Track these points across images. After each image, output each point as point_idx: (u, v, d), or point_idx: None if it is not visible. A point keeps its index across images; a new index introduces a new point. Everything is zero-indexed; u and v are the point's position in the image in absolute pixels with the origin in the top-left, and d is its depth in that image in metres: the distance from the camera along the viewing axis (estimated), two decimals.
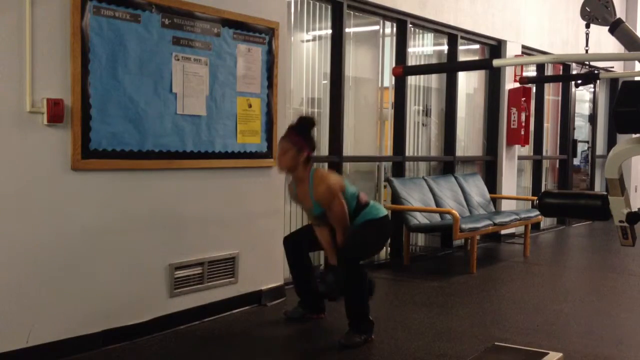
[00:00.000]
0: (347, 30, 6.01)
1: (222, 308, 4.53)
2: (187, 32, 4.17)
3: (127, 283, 3.94)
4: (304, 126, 4.13)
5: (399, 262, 6.60)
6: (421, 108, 7.35)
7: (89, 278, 3.73)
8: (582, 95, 10.96)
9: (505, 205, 8.24)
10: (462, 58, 7.58)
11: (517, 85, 8.07)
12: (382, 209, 4.25)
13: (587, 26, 3.77)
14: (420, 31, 7.17)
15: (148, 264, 4.05)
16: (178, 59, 4.13)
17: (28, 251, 3.45)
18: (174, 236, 4.20)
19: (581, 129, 10.95)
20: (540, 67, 9.10)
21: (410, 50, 6.84)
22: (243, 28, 4.55)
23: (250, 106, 4.64)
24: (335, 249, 4.14)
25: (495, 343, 3.69)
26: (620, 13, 5.36)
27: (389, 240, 6.17)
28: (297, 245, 4.44)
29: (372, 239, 4.21)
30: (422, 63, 7.33)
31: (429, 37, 7.38)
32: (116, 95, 3.78)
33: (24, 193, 3.42)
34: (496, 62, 2.23)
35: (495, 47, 8.13)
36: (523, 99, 8.18)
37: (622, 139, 3.62)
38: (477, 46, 8.13)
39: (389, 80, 6.82)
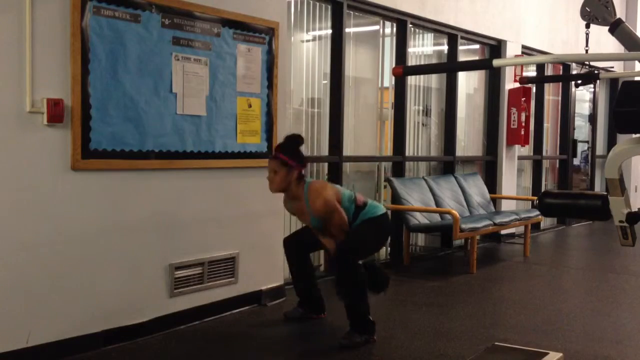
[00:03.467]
0: (347, 30, 6.01)
1: (222, 308, 4.53)
2: (187, 32, 4.17)
3: (127, 283, 3.94)
4: (291, 144, 4.08)
5: (399, 262, 6.60)
6: (421, 108, 7.35)
7: (89, 278, 3.73)
8: (582, 95, 10.96)
9: (505, 205, 8.24)
10: (462, 58, 7.58)
11: (517, 85, 8.07)
12: (380, 207, 4.24)
13: (587, 26, 3.77)
14: (420, 31, 7.17)
15: (148, 264, 4.05)
16: (178, 59, 4.13)
17: (28, 251, 3.45)
18: (174, 236, 4.20)
19: (581, 129, 10.95)
20: (540, 67, 9.10)
21: (410, 50, 6.84)
22: (243, 28, 4.55)
23: (250, 106, 4.64)
24: None
25: (495, 343, 3.69)
26: (620, 13, 5.36)
27: (388, 240, 6.16)
28: (298, 246, 4.44)
29: (370, 238, 4.19)
30: (422, 63, 7.34)
31: (429, 37, 7.37)
32: (116, 95, 3.78)
33: (24, 193, 3.42)
34: (496, 62, 2.23)
35: (495, 47, 8.13)
36: (523, 99, 8.18)
37: (622, 139, 3.63)
38: (477, 46, 8.13)
39: (389, 80, 6.82)
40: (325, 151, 5.90)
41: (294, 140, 4.11)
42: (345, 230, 4.06)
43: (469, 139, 8.23)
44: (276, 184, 4.04)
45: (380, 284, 4.13)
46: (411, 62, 6.97)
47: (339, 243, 4.07)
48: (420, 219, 6.56)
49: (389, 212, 6.55)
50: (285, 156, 4.01)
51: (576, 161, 10.59)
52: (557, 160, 10.14)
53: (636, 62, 5.79)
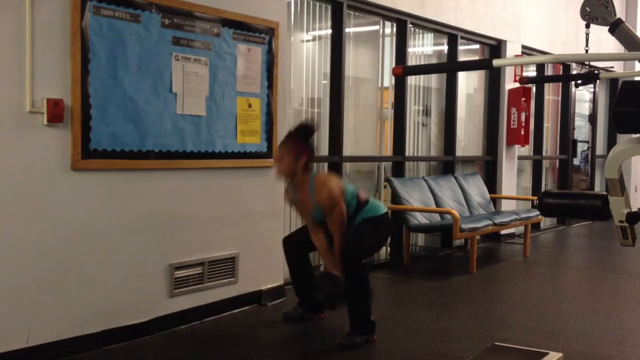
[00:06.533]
0: (347, 30, 6.01)
1: (222, 308, 4.53)
2: (187, 32, 4.17)
3: (127, 283, 3.94)
4: (302, 132, 4.10)
5: (399, 262, 6.60)
6: (421, 108, 7.35)
7: (89, 278, 3.73)
8: (582, 95, 10.96)
9: (505, 205, 8.24)
10: (462, 58, 7.58)
11: (517, 85, 8.07)
12: (381, 207, 4.25)
13: (587, 26, 3.77)
14: (420, 31, 7.17)
15: (148, 264, 4.05)
16: (178, 59, 4.13)
17: (28, 251, 3.45)
18: (174, 236, 4.20)
19: (581, 129, 10.95)
20: (540, 67, 9.10)
21: (410, 50, 6.84)
22: (243, 28, 4.55)
23: (250, 106, 4.64)
24: (332, 255, 4.12)
25: (495, 343, 3.69)
26: (620, 13, 5.36)
27: (389, 239, 6.15)
28: (298, 246, 4.44)
29: (372, 238, 4.19)
30: (422, 63, 7.33)
31: (429, 37, 7.37)
32: (116, 95, 3.78)
33: (24, 193, 3.42)
34: (496, 62, 2.23)
35: (495, 47, 8.13)
36: (523, 99, 8.18)
37: (622, 139, 3.62)
38: (477, 46, 8.13)
39: (389, 80, 6.82)
40: (325, 151, 5.89)
41: (306, 129, 4.13)
42: (343, 229, 4.05)
43: (469, 139, 8.23)
44: (282, 166, 4.05)
45: (334, 298, 4.09)
46: (411, 62, 6.97)
47: (338, 247, 4.06)
48: (420, 219, 6.56)
49: (390, 212, 6.60)
50: (294, 142, 4.03)
51: (576, 161, 10.59)
52: (557, 160, 10.14)
53: (636, 62, 5.79)
